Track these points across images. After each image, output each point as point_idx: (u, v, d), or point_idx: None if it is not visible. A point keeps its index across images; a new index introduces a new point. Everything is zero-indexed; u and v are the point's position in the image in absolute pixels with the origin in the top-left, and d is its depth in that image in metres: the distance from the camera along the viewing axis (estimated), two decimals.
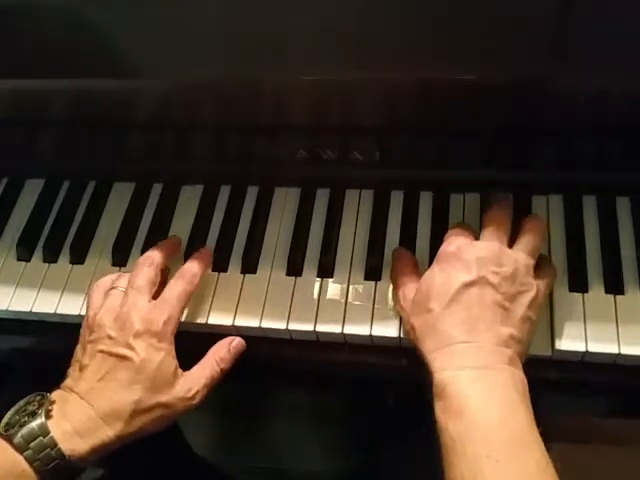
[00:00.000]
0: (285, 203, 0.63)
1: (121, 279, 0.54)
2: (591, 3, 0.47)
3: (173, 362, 0.51)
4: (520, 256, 0.49)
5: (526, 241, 0.51)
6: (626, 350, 0.50)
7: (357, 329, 0.54)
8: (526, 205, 0.59)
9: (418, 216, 0.60)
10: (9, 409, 0.48)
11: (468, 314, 0.46)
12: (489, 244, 0.50)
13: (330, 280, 0.57)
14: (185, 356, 0.52)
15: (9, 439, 0.46)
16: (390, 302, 0.55)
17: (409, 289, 0.52)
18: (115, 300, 0.53)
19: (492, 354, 0.45)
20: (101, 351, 0.50)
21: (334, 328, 0.55)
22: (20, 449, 0.45)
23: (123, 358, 0.49)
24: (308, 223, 0.61)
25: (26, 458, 0.45)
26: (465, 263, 0.48)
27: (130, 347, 0.49)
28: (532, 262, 0.50)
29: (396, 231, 0.59)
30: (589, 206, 0.58)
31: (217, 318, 0.56)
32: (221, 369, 0.53)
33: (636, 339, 0.51)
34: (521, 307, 0.47)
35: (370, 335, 0.54)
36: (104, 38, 0.53)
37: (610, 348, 0.50)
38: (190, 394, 0.50)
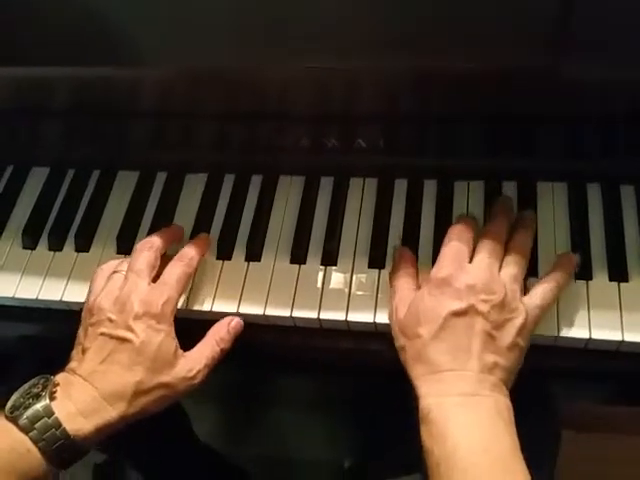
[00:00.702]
0: (289, 191, 0.63)
1: (124, 264, 0.55)
2: None
3: (173, 343, 0.51)
4: (508, 280, 0.49)
5: (513, 263, 0.51)
6: (630, 337, 0.50)
7: (361, 317, 0.54)
8: (531, 193, 0.59)
9: (422, 204, 0.60)
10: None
11: (455, 343, 0.47)
12: (481, 269, 0.49)
13: (334, 268, 0.57)
14: (189, 343, 0.53)
15: (14, 420, 0.46)
16: None
17: (403, 304, 0.51)
18: (115, 283, 0.53)
19: (477, 382, 0.45)
20: (102, 334, 0.51)
21: (338, 316, 0.55)
22: (25, 430, 0.46)
23: (123, 340, 0.50)
24: (312, 211, 0.61)
25: (31, 439, 0.46)
26: (455, 291, 0.48)
27: (130, 329, 0.50)
28: (517, 287, 0.50)
29: (400, 219, 0.59)
30: (593, 194, 0.58)
31: (221, 305, 0.57)
32: (221, 349, 0.54)
33: None
34: (508, 335, 0.47)
35: (374, 322, 0.54)
36: (109, 25, 0.53)
37: (614, 335, 0.50)
38: (191, 374, 0.51)
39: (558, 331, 0.51)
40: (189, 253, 0.56)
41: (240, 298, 0.57)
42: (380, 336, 0.55)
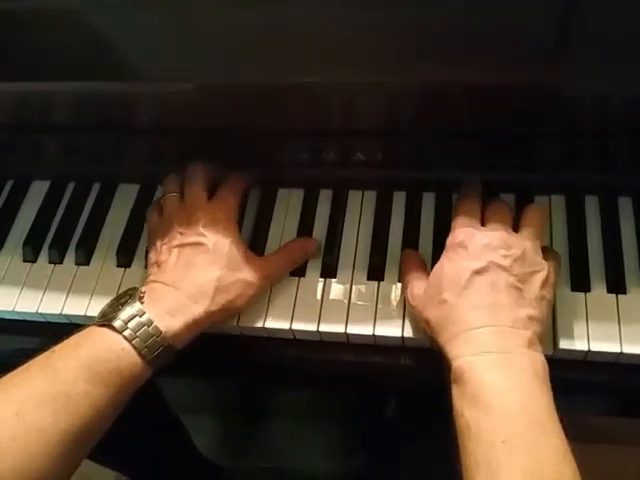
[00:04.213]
0: (288, 204, 0.63)
1: (167, 187, 0.59)
2: (593, 6, 0.47)
3: (242, 245, 0.55)
4: (526, 236, 0.50)
5: (530, 224, 0.52)
6: (628, 349, 0.50)
7: (360, 329, 0.54)
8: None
9: (421, 217, 0.60)
10: None
11: (482, 299, 0.46)
12: (494, 229, 0.50)
13: (333, 280, 0.57)
14: (188, 355, 0.53)
15: (108, 323, 0.48)
16: (393, 302, 0.55)
17: (416, 286, 0.52)
18: (174, 204, 0.57)
19: (510, 337, 0.44)
20: (176, 246, 0.54)
21: (337, 328, 0.55)
22: (120, 330, 0.48)
23: (197, 245, 0.53)
24: (311, 224, 0.61)
25: (126, 337, 0.48)
26: (473, 251, 0.48)
27: (201, 234, 0.53)
28: (539, 242, 0.51)
29: (399, 232, 0.60)
30: (591, 206, 0.59)
31: None
32: (292, 262, 0.57)
33: (638, 338, 0.51)
34: (535, 287, 0.47)
35: (373, 335, 0.54)
36: (107, 42, 0.53)
37: (612, 347, 0.51)
38: (265, 273, 0.54)
39: (557, 344, 0.51)
40: (240, 174, 0.60)
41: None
42: (380, 348, 0.55)
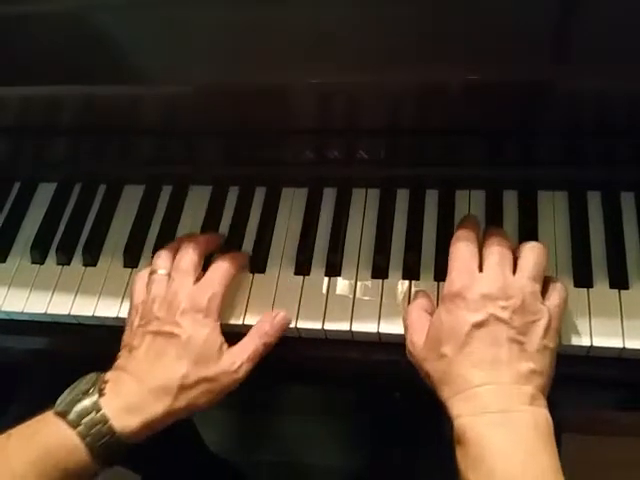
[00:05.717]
0: (292, 203, 0.64)
1: (158, 261, 0.57)
2: (592, 3, 0.47)
3: (219, 338, 0.52)
4: (525, 283, 0.47)
5: (529, 265, 0.49)
6: (631, 344, 0.51)
7: (365, 326, 0.55)
8: (532, 202, 0.59)
9: (424, 214, 0.61)
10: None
11: (483, 355, 0.45)
12: (493, 276, 0.48)
13: (338, 279, 0.58)
14: None
15: (63, 416, 0.47)
16: (398, 299, 0.56)
17: (418, 335, 0.50)
18: (160, 284, 0.55)
19: (511, 395, 0.43)
20: (150, 332, 0.52)
21: (342, 326, 0.55)
22: (73, 425, 0.46)
23: (171, 335, 0.51)
24: (315, 222, 0.62)
25: (79, 434, 0.46)
26: (471, 303, 0.46)
27: (177, 324, 0.51)
28: (538, 287, 0.48)
29: (402, 229, 0.60)
30: (594, 202, 0.59)
31: (227, 317, 0.57)
32: (264, 343, 0.54)
33: None
34: (536, 337, 0.45)
35: (378, 332, 0.55)
36: (112, 44, 0.54)
37: (615, 342, 0.51)
38: (234, 367, 0.51)
39: (560, 339, 0.51)
40: (231, 255, 0.58)
41: (245, 310, 0.57)
42: (385, 345, 0.56)
